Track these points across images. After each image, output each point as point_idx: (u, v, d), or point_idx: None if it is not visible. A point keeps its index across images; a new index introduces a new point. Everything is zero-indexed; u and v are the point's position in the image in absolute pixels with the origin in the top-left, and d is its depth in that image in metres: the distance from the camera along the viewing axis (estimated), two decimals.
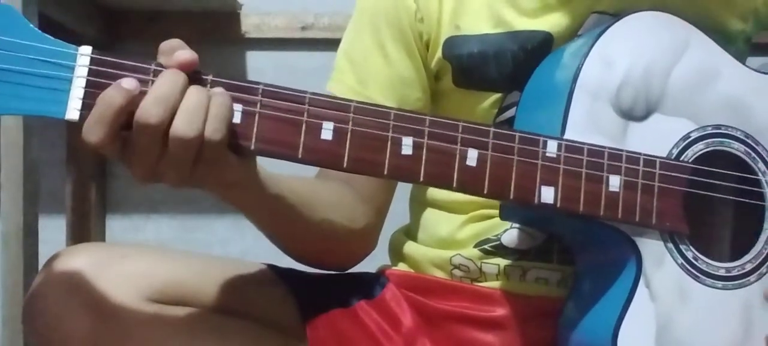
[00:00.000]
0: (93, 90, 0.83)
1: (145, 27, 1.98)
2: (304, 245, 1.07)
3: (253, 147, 0.87)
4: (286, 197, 0.98)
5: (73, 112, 0.83)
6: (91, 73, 0.83)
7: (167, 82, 0.83)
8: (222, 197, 0.93)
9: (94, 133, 0.82)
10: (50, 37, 0.83)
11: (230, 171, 0.87)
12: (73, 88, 0.83)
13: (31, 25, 0.83)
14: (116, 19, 2.00)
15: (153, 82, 0.84)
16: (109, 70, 0.84)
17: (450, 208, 1.13)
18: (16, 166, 1.55)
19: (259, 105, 0.86)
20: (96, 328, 0.94)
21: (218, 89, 0.85)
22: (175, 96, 0.83)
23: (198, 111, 0.83)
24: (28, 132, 1.55)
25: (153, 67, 0.85)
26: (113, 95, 0.82)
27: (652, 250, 0.95)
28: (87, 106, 0.83)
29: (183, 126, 0.82)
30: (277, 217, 1.00)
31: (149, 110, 0.82)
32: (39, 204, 1.61)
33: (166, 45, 0.86)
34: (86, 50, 0.84)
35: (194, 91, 0.84)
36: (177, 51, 0.85)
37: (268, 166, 0.94)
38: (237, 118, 0.86)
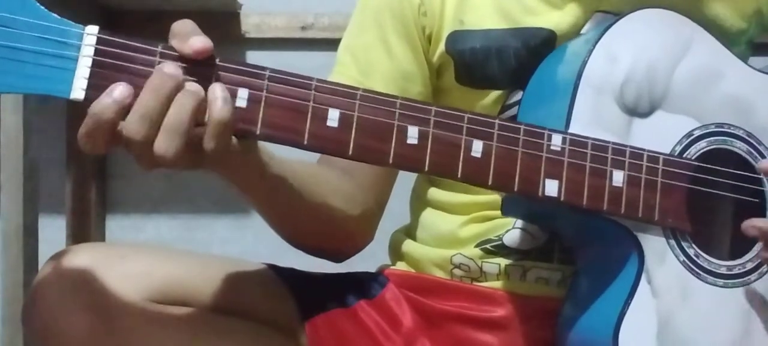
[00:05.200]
0: (99, 70, 0.82)
1: (144, 26, 1.97)
2: (301, 227, 1.06)
3: (258, 132, 0.86)
4: (285, 176, 0.98)
5: (78, 92, 0.82)
6: (97, 53, 0.82)
7: (150, 95, 0.82)
8: (220, 175, 0.92)
9: (88, 144, 0.82)
10: (56, 15, 0.82)
11: (233, 156, 0.87)
12: (78, 67, 0.82)
13: (37, 3, 0.82)
14: (116, 18, 2.00)
15: (159, 63, 0.83)
16: (116, 50, 0.83)
17: (452, 209, 1.13)
18: (16, 166, 1.55)
19: (265, 90, 0.86)
20: (95, 328, 0.94)
21: (219, 93, 0.84)
22: (159, 111, 0.82)
23: (178, 130, 0.82)
24: (28, 132, 1.55)
25: (159, 49, 0.84)
26: (103, 109, 0.81)
27: (654, 246, 0.95)
28: (92, 86, 0.82)
29: (161, 147, 0.82)
30: (274, 196, 0.99)
31: (133, 127, 0.81)
32: (39, 204, 1.61)
33: (179, 27, 0.85)
34: (93, 30, 0.83)
35: (176, 107, 0.82)
36: (191, 37, 0.84)
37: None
38: (243, 103, 0.85)
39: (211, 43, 0.84)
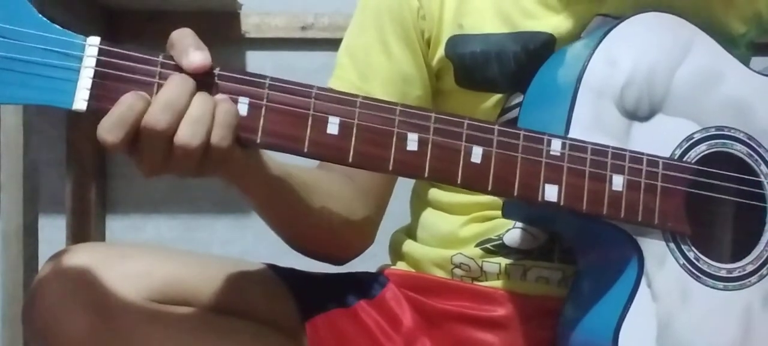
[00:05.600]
0: (101, 81, 0.83)
1: (144, 26, 1.98)
2: (301, 230, 1.06)
3: (258, 140, 0.86)
4: (286, 181, 0.98)
5: (80, 103, 0.83)
6: (99, 63, 0.83)
7: (175, 87, 0.83)
8: (222, 178, 0.93)
9: (113, 134, 0.82)
10: (58, 27, 0.83)
11: (235, 163, 0.87)
12: (80, 78, 0.82)
13: (39, 15, 0.82)
14: (116, 18, 2.00)
15: (161, 73, 0.84)
16: (117, 61, 0.83)
17: (452, 209, 1.13)
18: (16, 166, 1.55)
19: (265, 98, 0.86)
20: (95, 328, 0.94)
21: (223, 96, 0.85)
22: (183, 103, 0.83)
23: (202, 120, 0.83)
24: (28, 132, 1.55)
25: (160, 59, 0.84)
26: (135, 100, 0.82)
27: (654, 250, 0.95)
28: (94, 96, 0.82)
29: (186, 136, 0.83)
30: (275, 200, 1.00)
31: (157, 116, 0.82)
32: (39, 204, 1.61)
33: (178, 39, 0.85)
34: (94, 41, 0.83)
35: (200, 99, 0.83)
36: (191, 54, 0.84)
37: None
38: (243, 111, 0.86)
39: (209, 60, 0.85)
